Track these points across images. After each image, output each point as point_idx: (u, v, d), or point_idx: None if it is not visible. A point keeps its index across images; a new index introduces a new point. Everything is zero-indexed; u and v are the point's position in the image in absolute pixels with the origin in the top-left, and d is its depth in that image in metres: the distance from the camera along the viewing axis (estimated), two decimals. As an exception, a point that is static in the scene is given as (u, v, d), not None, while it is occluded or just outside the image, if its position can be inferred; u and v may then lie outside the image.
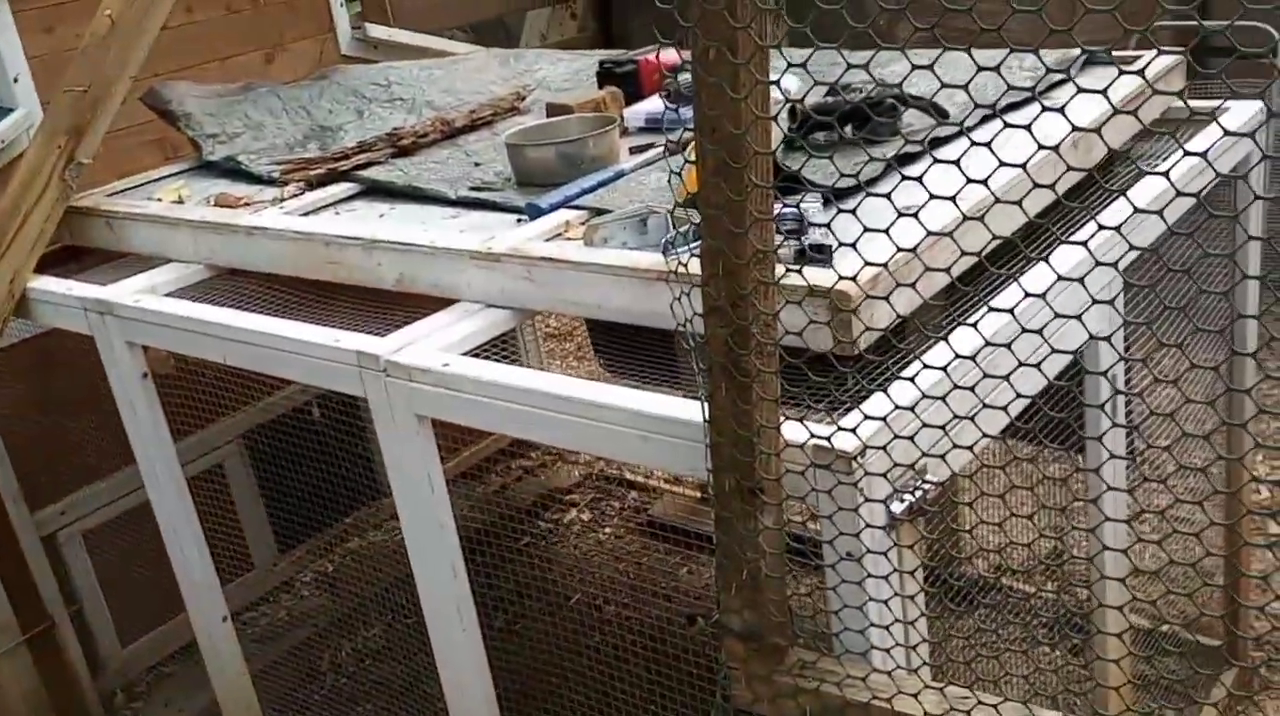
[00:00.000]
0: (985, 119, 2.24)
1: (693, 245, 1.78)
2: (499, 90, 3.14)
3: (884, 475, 1.41)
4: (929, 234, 1.24)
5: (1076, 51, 2.56)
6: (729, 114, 1.20)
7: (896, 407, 1.36)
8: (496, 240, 2.00)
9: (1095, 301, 1.17)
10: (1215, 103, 2.36)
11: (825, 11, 1.16)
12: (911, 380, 1.34)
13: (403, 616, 3.68)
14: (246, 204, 2.42)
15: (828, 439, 1.37)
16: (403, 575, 3.80)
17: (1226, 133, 2.12)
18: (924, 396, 1.34)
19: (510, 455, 4.43)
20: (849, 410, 1.49)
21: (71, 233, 2.57)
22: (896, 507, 1.45)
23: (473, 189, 2.35)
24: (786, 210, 1.83)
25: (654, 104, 2.69)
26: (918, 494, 1.47)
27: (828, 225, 1.74)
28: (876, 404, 1.42)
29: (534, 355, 4.29)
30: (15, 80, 2.85)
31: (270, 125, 2.91)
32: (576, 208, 2.14)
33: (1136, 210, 1.21)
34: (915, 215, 1.16)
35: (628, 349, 2.38)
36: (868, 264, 1.33)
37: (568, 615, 3.64)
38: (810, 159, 2.20)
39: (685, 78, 2.62)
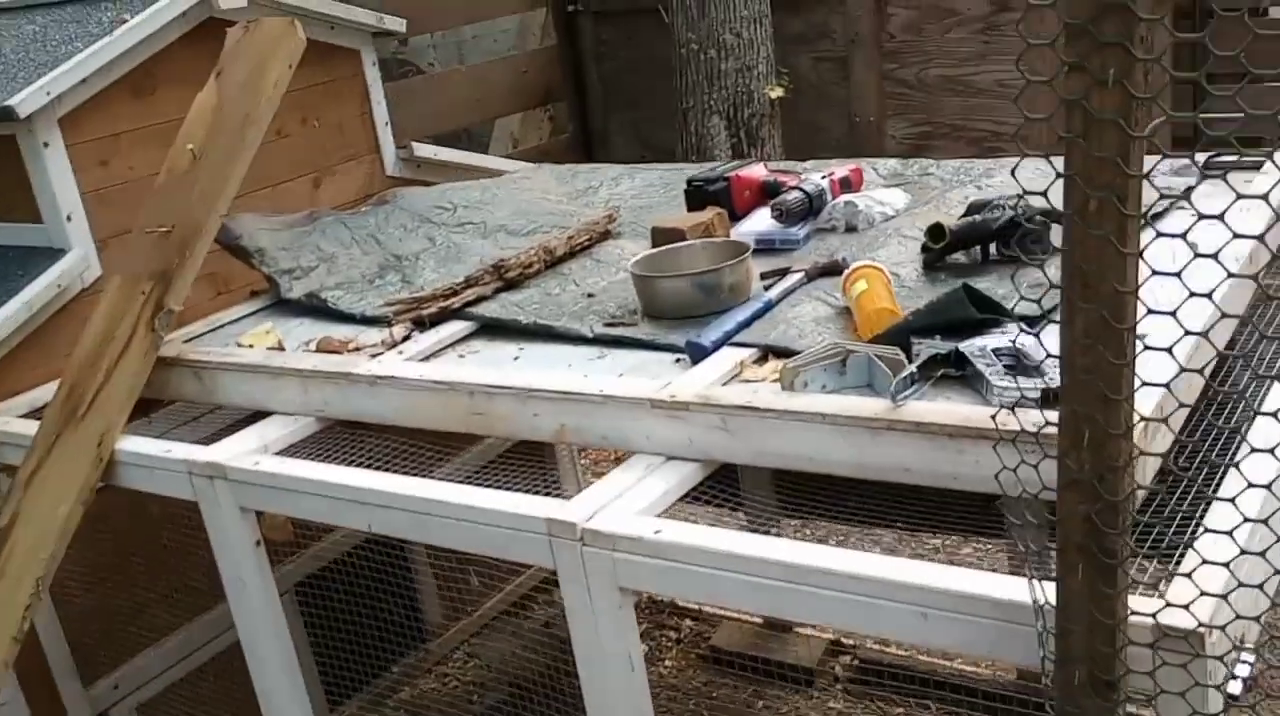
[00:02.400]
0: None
1: (915, 388, 1.66)
2: (569, 208, 3.03)
3: (1222, 657, 1.27)
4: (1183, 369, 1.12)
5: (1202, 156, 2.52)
6: (1115, 271, 1.08)
7: (1238, 582, 1.22)
8: (676, 386, 1.85)
9: None
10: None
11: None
12: (1229, 534, 1.21)
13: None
14: (357, 349, 2.24)
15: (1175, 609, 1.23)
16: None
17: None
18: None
19: (552, 583, 4.19)
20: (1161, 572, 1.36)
21: (148, 385, 2.35)
22: (1235, 688, 1.31)
23: (607, 325, 2.20)
24: (1002, 346, 1.72)
25: (759, 223, 2.59)
26: (1251, 669, 1.34)
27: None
28: (1210, 574, 1.29)
29: (570, 475, 4.09)
30: (69, 219, 2.64)
31: (343, 256, 2.74)
32: (738, 344, 2.01)
33: None
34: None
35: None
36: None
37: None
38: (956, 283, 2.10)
39: (794, 196, 2.54)
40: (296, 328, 2.48)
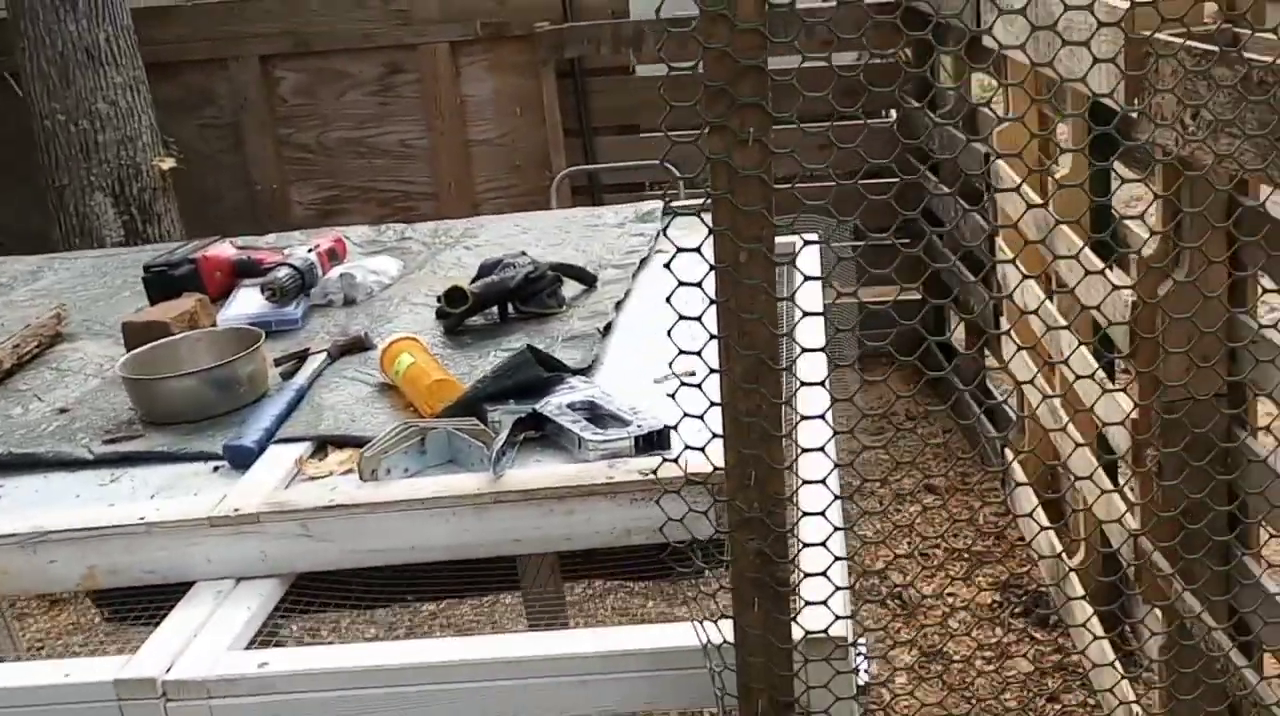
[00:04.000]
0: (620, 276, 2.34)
1: (509, 457, 1.64)
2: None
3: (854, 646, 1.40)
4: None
5: (650, 205, 2.76)
6: (769, 317, 1.14)
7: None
8: (235, 497, 1.63)
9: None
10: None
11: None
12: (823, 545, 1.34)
13: None
14: None
15: (825, 631, 1.32)
16: None
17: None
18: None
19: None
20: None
21: None
22: (864, 678, 1.44)
23: (108, 442, 1.88)
24: (575, 401, 1.75)
25: (248, 305, 2.38)
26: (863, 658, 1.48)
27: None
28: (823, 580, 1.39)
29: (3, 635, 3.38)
30: None
31: None
32: (284, 441, 1.82)
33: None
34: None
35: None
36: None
37: None
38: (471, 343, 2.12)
39: (285, 272, 2.39)
40: None
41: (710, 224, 1.13)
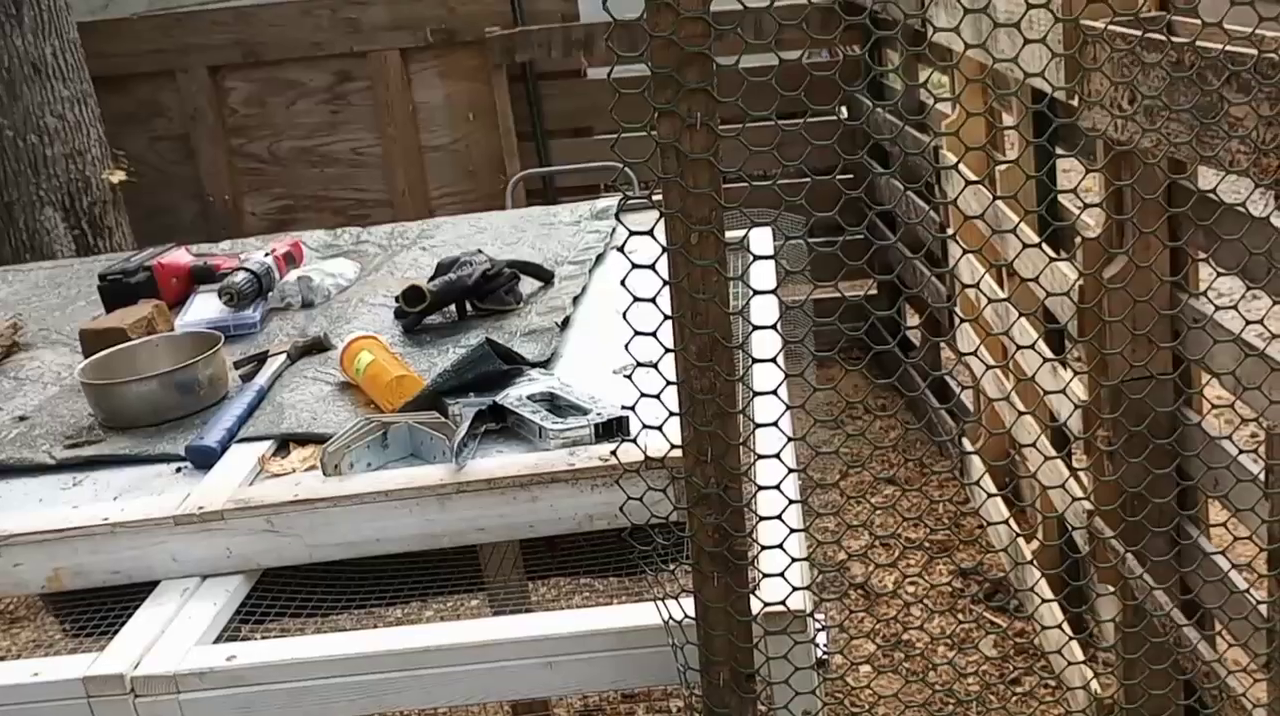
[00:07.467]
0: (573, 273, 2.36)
1: (470, 448, 1.66)
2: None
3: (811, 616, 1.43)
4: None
5: (605, 203, 2.79)
6: (720, 297, 1.17)
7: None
8: (199, 496, 1.64)
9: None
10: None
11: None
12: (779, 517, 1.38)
13: None
14: None
15: (783, 602, 1.35)
16: None
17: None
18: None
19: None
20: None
21: None
22: (821, 651, 1.48)
23: (70, 446, 1.88)
24: (535, 392, 1.78)
25: (205, 310, 2.39)
26: (822, 632, 1.52)
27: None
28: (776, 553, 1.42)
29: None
30: None
31: None
32: (245, 440, 1.83)
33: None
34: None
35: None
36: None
37: None
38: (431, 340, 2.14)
39: (242, 277, 2.40)
40: None
41: (662, 208, 1.16)
